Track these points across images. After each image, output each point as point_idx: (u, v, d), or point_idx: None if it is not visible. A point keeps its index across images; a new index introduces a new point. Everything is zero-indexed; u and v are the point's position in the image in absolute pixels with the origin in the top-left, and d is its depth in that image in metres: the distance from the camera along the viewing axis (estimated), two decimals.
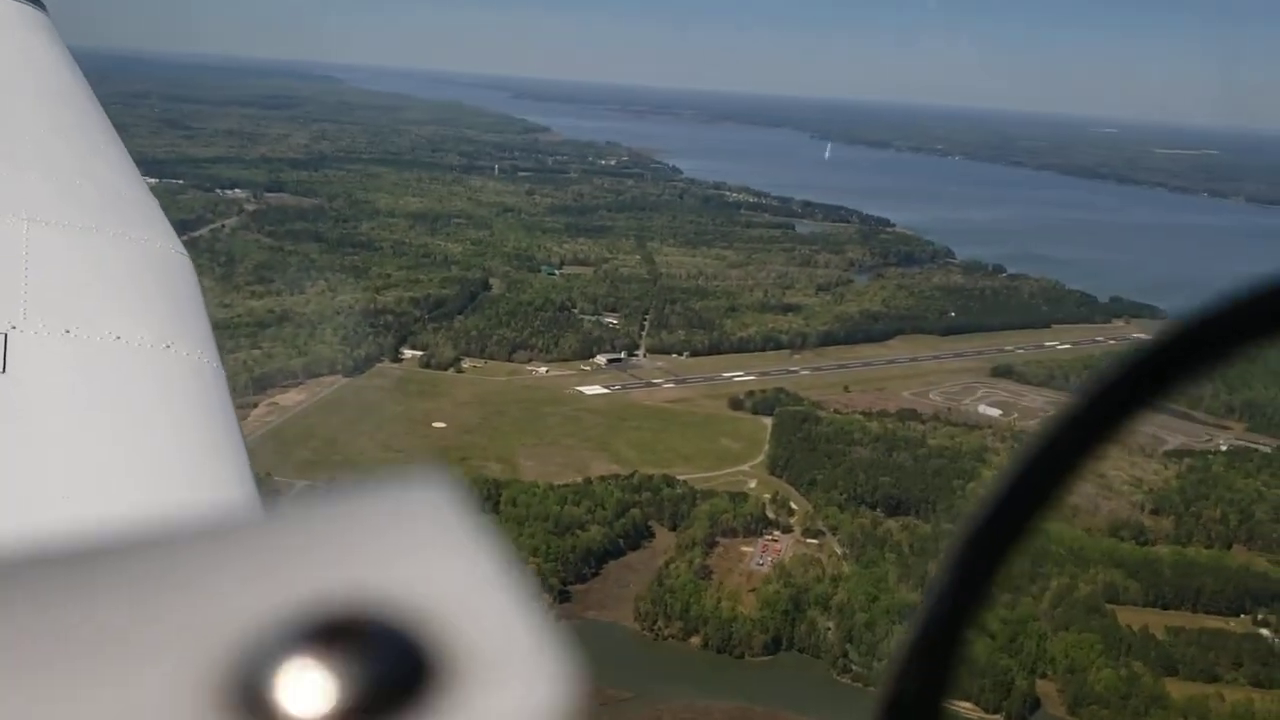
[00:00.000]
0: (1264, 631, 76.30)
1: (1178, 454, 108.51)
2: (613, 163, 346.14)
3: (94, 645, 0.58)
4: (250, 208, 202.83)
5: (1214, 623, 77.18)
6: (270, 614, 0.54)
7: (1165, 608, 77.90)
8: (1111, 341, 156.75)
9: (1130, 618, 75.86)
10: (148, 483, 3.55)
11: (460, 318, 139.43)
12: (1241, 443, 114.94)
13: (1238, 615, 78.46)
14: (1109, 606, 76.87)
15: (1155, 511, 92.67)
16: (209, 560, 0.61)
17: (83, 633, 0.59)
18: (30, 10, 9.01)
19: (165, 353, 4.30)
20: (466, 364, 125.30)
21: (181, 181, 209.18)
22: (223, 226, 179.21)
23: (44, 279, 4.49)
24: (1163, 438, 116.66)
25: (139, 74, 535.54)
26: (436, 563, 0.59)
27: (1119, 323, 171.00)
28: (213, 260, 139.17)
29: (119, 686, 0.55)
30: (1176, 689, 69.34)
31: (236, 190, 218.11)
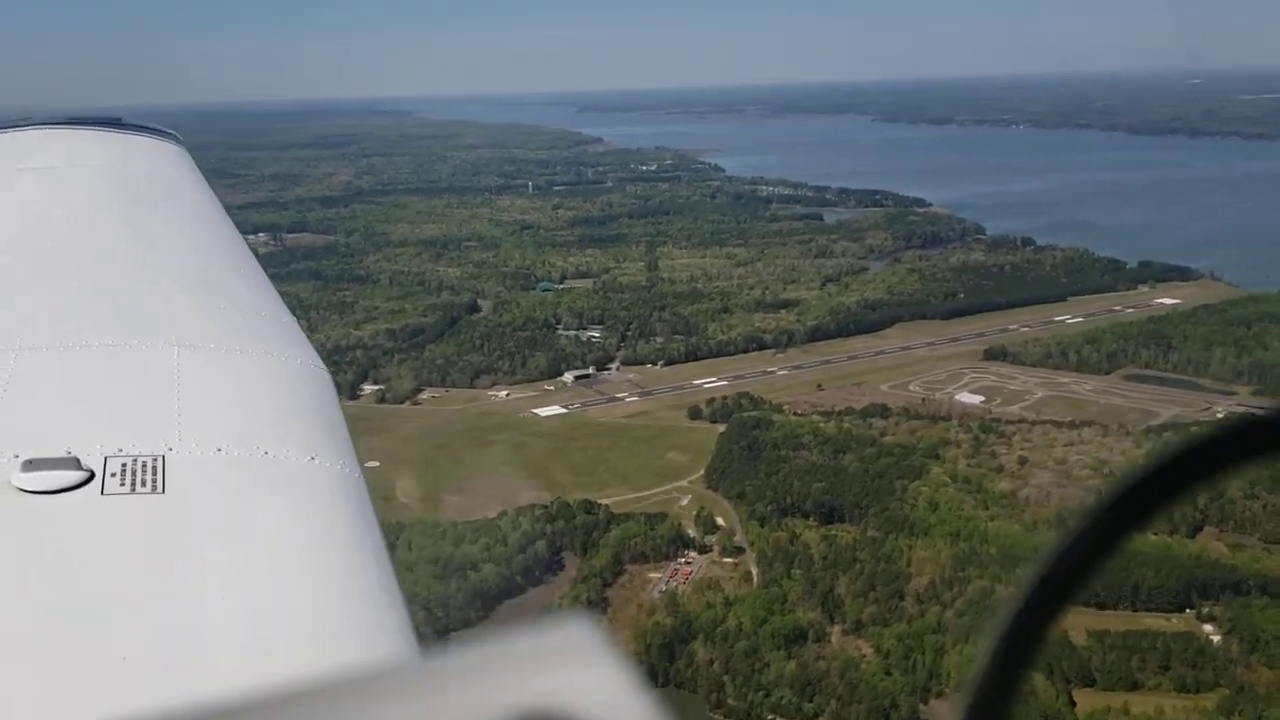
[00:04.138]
0: (1207, 627, 68.85)
1: (1162, 429, 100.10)
2: (654, 168, 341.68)
3: None
4: (264, 250, 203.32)
5: (1153, 621, 69.92)
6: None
7: (1101, 608, 70.48)
8: (1130, 309, 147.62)
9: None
10: (301, 595, 3.70)
11: (432, 346, 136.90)
12: (1243, 408, 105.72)
13: (1182, 611, 70.99)
14: None
15: None
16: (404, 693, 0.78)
17: None
18: (165, 144, 10.20)
19: (310, 465, 4.51)
20: (426, 394, 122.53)
21: None
22: None
23: (195, 401, 4.76)
24: (1155, 411, 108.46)
25: (209, 126, 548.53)
26: (590, 686, 0.74)
27: (1144, 288, 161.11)
28: None
29: None
30: (1090, 700, 62.63)
31: (260, 234, 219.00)
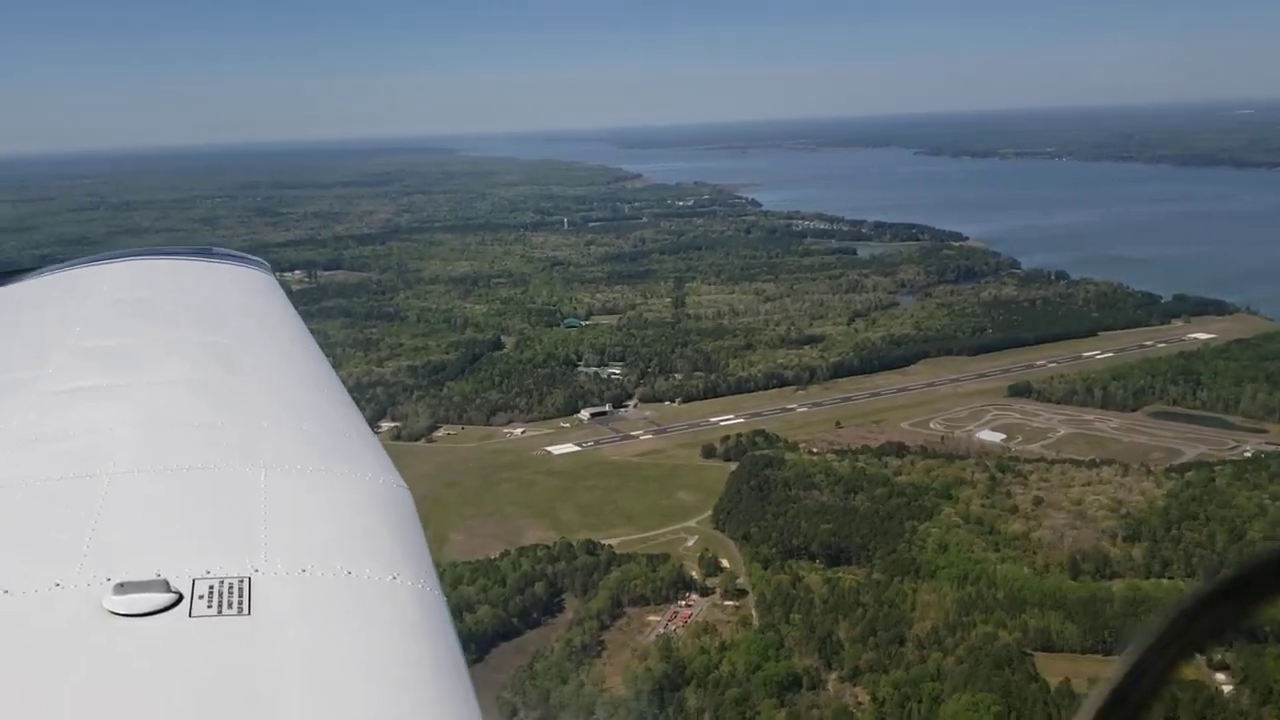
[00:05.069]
0: (1218, 676, 66.37)
1: (1184, 468, 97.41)
2: (690, 203, 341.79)
3: None
4: (298, 287, 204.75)
5: None
6: None
7: (1107, 653, 68.49)
8: (1161, 344, 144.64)
9: (1061, 667, 66.89)
10: (382, 717, 3.75)
11: (452, 383, 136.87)
12: (1272, 447, 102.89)
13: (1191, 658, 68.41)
14: (1037, 655, 68.07)
15: (1129, 538, 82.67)
16: None
17: None
18: (253, 270, 10.81)
19: (392, 584, 4.57)
20: (442, 431, 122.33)
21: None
22: None
23: (281, 522, 4.87)
24: (1179, 449, 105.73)
25: (255, 166, 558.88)
26: None
27: (1178, 323, 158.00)
28: None
29: None
30: None
31: (296, 271, 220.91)
